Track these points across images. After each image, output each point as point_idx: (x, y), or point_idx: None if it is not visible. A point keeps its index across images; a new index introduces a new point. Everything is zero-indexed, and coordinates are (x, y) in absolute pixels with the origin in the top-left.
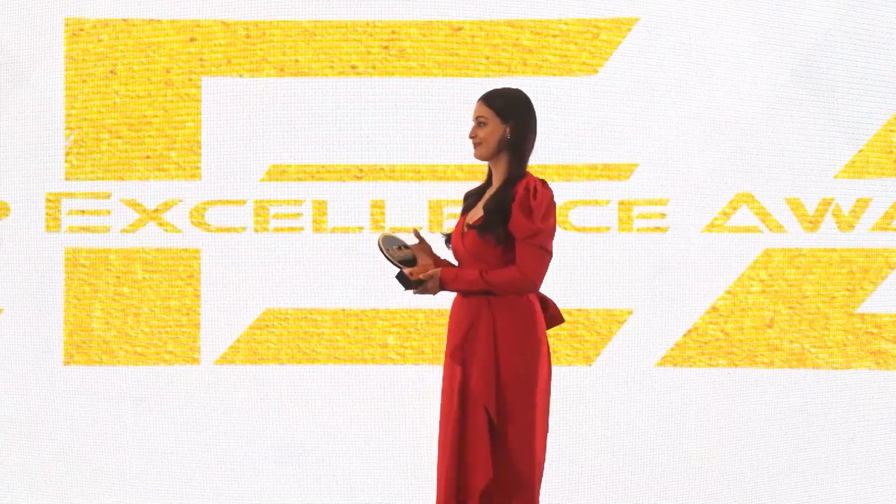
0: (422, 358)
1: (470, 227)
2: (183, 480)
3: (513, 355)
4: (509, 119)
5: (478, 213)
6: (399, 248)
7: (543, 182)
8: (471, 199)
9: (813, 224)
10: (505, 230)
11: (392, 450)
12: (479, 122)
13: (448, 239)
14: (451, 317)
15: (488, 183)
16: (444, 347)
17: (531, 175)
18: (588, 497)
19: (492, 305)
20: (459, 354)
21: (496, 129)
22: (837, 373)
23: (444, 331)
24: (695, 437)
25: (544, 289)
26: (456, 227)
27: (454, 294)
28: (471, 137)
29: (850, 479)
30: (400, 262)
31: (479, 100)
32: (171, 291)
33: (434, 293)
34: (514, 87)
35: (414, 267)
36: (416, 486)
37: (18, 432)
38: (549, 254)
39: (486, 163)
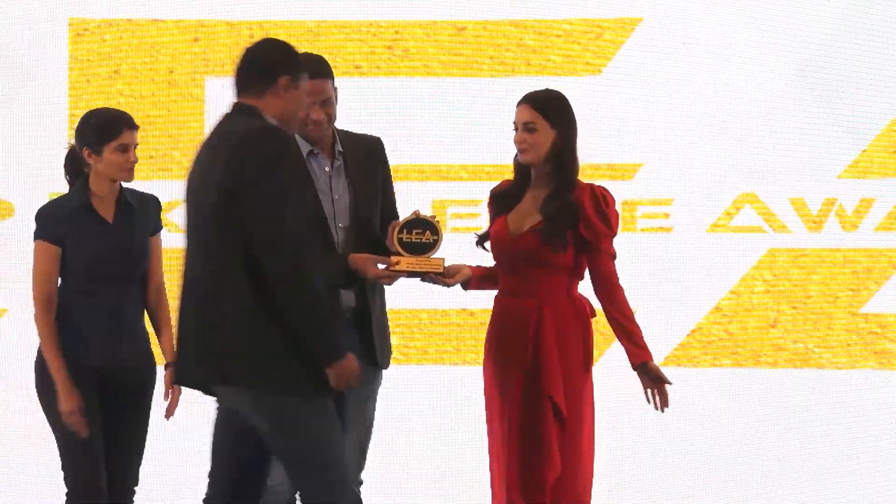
0: (426, 358)
1: (534, 230)
2: (187, 480)
3: (572, 354)
4: (558, 123)
5: (530, 216)
6: (421, 231)
7: (605, 188)
8: (506, 199)
9: (817, 224)
10: (570, 235)
11: (395, 449)
12: (529, 128)
13: (482, 239)
14: (501, 325)
15: (523, 183)
16: (447, 347)
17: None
18: (593, 497)
19: (555, 308)
20: (527, 362)
21: (547, 135)
22: (841, 373)
23: (447, 330)
24: (699, 437)
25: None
26: (495, 227)
27: (466, 293)
28: (518, 142)
29: (854, 480)
30: (410, 247)
31: (525, 104)
32: (174, 291)
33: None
34: (551, 88)
35: (429, 254)
36: (419, 485)
37: (22, 433)
38: None
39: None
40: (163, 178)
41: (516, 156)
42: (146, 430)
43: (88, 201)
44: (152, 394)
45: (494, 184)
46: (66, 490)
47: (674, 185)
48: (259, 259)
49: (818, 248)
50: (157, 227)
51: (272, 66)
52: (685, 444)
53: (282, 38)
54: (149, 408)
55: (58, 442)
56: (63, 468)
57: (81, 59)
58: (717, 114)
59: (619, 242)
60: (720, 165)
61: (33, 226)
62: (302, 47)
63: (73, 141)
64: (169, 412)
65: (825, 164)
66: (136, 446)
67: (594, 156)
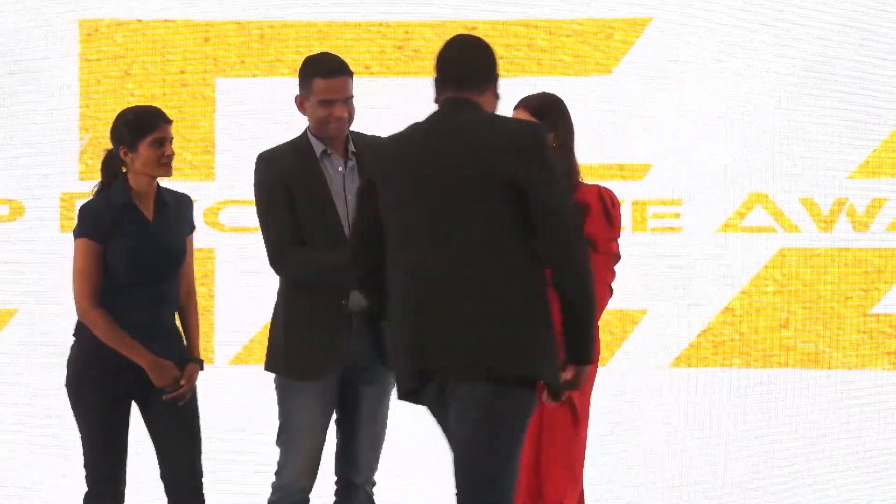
0: None
1: None
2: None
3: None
4: (556, 126)
5: None
6: None
7: (612, 191)
8: None
9: (827, 224)
10: None
11: (405, 449)
12: None
13: None
14: None
15: None
16: None
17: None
18: (601, 498)
19: None
20: None
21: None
22: (852, 373)
23: None
24: (708, 438)
25: None
26: None
27: None
28: None
29: (864, 481)
30: None
31: (523, 109)
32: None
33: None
34: (544, 91)
35: None
36: (431, 485)
37: (32, 433)
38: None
39: None
40: (173, 178)
41: None
42: (198, 423)
43: (130, 200)
44: (195, 391)
45: None
46: (86, 490)
47: (684, 185)
48: (548, 251)
49: (829, 248)
50: (192, 226)
51: (493, 65)
52: (694, 445)
53: (292, 38)
54: (196, 403)
55: (82, 440)
56: (85, 466)
57: (92, 59)
58: (727, 113)
59: (628, 242)
60: (730, 165)
61: (44, 226)
62: (312, 47)
63: (82, 140)
64: (174, 398)
65: (836, 164)
66: (190, 441)
67: (604, 156)
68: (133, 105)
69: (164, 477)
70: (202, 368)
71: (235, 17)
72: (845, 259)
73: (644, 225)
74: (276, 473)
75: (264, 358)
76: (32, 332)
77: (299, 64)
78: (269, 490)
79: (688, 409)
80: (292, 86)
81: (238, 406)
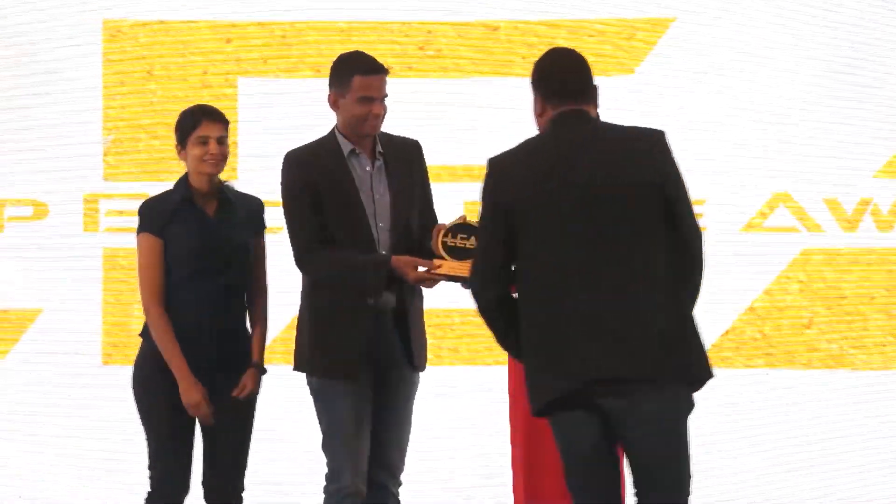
0: (458, 358)
1: None
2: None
3: None
4: None
5: None
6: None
7: None
8: None
9: (851, 224)
10: None
11: (422, 451)
12: None
13: None
14: None
15: None
16: (479, 348)
17: None
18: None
19: None
20: None
21: None
22: (876, 374)
23: (479, 331)
24: (732, 438)
25: None
26: None
27: None
28: None
29: (888, 481)
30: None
31: None
32: None
33: None
34: None
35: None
36: (447, 487)
37: (57, 431)
38: None
39: None
40: None
41: None
42: (251, 432)
43: (189, 195)
44: (256, 397)
45: None
46: (147, 490)
47: (707, 185)
48: (686, 249)
49: (853, 249)
50: (260, 226)
51: (592, 75)
52: (717, 445)
53: (313, 38)
54: (253, 410)
55: (147, 441)
56: (150, 468)
57: (115, 60)
58: (750, 113)
59: None
60: (754, 165)
61: (67, 226)
62: (334, 48)
63: (106, 140)
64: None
65: (860, 164)
66: (242, 449)
67: None
68: (198, 103)
69: (204, 482)
70: (263, 373)
71: (258, 18)
72: (869, 259)
73: None
74: (329, 478)
75: (290, 357)
76: (57, 331)
77: (322, 64)
78: (323, 496)
79: (711, 409)
80: (315, 86)
81: (261, 406)
